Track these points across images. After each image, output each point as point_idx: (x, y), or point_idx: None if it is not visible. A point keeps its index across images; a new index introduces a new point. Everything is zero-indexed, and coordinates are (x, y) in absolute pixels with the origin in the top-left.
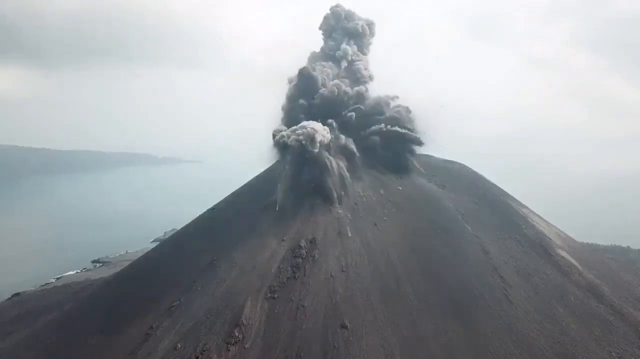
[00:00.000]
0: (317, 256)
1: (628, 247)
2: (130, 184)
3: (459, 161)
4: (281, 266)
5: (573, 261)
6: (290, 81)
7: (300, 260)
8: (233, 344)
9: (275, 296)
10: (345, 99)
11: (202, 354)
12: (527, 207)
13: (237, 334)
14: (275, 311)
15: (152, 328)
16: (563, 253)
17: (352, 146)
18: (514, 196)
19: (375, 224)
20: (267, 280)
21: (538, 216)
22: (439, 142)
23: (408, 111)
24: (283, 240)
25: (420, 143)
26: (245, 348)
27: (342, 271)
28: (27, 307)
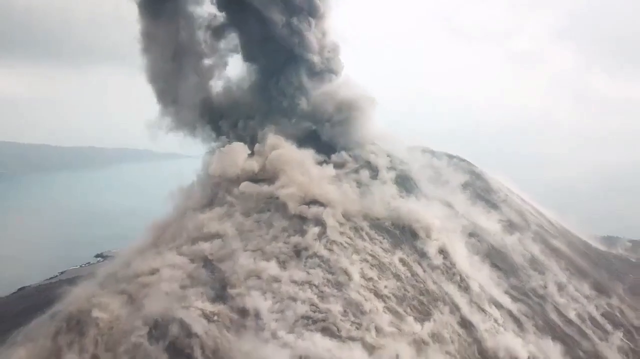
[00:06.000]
0: None
1: (622, 238)
2: (132, 180)
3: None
4: None
5: (565, 249)
6: None
7: None
8: None
9: None
10: None
11: None
12: (517, 195)
13: None
14: None
15: None
16: (556, 242)
17: None
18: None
19: None
20: None
21: (530, 204)
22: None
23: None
24: None
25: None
26: None
27: None
28: (33, 301)
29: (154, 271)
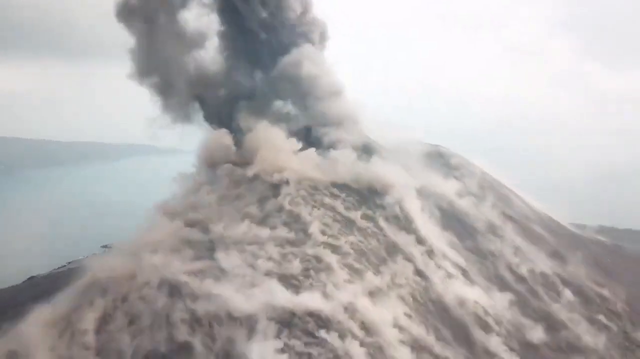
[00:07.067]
0: None
1: (613, 227)
2: (135, 174)
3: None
4: None
5: (545, 233)
6: None
7: None
8: None
9: None
10: None
11: None
12: (505, 187)
13: None
14: None
15: None
16: (536, 227)
17: None
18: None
19: None
20: None
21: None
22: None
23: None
24: None
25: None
26: None
27: None
28: (42, 288)
29: (155, 238)
